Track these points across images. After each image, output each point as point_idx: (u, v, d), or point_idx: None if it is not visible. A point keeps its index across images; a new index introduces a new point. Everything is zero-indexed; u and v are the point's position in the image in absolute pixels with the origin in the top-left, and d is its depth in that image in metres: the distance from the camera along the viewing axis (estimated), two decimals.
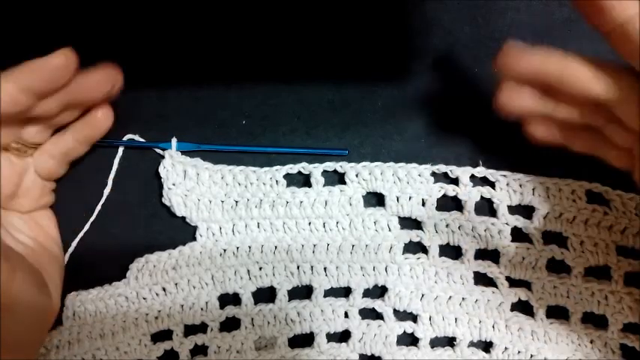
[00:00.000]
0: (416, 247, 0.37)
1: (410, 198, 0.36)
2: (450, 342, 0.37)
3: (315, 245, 0.37)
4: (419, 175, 0.36)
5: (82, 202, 0.37)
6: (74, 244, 0.37)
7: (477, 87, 0.38)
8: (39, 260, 0.34)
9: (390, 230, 0.37)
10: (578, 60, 0.29)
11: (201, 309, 0.36)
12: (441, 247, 0.37)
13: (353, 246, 0.37)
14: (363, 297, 0.37)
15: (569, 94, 0.30)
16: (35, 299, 0.32)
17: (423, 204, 0.36)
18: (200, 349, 0.36)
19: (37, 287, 0.32)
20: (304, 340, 0.37)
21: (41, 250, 0.35)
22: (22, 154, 0.34)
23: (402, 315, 0.37)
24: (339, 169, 0.37)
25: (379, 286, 0.37)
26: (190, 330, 0.36)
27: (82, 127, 0.35)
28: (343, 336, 0.37)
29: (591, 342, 0.36)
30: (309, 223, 0.37)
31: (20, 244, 0.34)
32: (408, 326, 0.37)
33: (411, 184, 0.36)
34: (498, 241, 0.36)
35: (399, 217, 0.37)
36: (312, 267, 0.37)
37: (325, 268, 0.37)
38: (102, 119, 0.35)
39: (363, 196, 0.37)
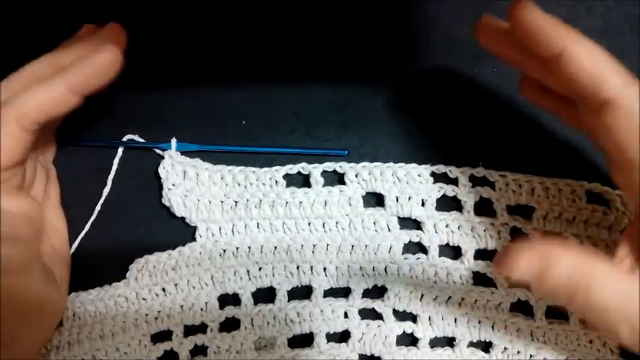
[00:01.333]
0: (415, 248, 0.37)
1: (409, 198, 0.36)
2: (449, 342, 0.37)
3: (314, 245, 0.37)
4: (418, 176, 0.36)
5: (82, 203, 0.37)
6: (75, 245, 0.37)
7: (476, 87, 0.38)
8: (52, 261, 0.34)
9: (389, 230, 0.37)
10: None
11: (201, 309, 0.36)
12: (441, 247, 0.37)
13: (352, 246, 0.37)
14: (362, 297, 0.37)
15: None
16: (52, 298, 0.32)
17: (423, 204, 0.36)
18: (200, 350, 0.36)
19: (53, 287, 0.32)
20: (304, 341, 0.37)
21: (53, 251, 0.35)
22: None
23: (401, 315, 0.37)
24: (339, 170, 0.37)
25: (379, 286, 0.37)
26: (190, 330, 0.36)
27: None
28: (343, 336, 0.37)
29: (590, 342, 0.36)
30: (309, 224, 0.37)
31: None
32: (408, 326, 0.37)
33: (410, 184, 0.36)
34: (498, 242, 0.36)
35: (399, 218, 0.37)
36: (311, 267, 0.37)
37: (325, 269, 0.37)
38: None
39: (362, 197, 0.37)
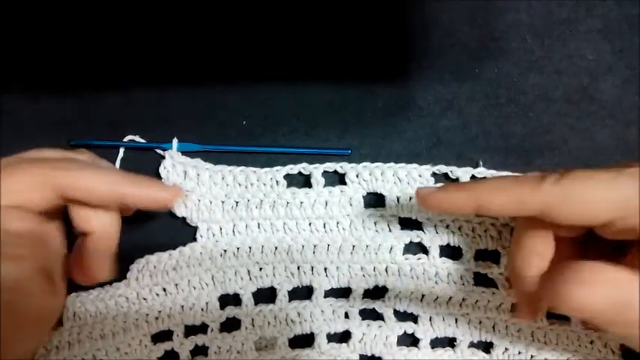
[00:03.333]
0: (416, 248, 0.37)
1: (410, 198, 0.36)
2: (450, 342, 0.37)
3: (315, 246, 0.37)
4: (419, 176, 0.36)
5: None
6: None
7: (477, 87, 0.39)
8: (51, 264, 0.34)
9: (390, 231, 0.37)
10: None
11: (202, 309, 0.36)
12: (442, 247, 0.37)
13: (353, 246, 0.37)
14: (363, 297, 0.37)
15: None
16: (50, 302, 0.32)
17: None
18: (200, 350, 0.36)
19: (52, 291, 0.32)
20: (305, 341, 0.37)
21: (55, 253, 0.35)
22: None
23: (402, 315, 0.37)
24: (340, 170, 0.37)
25: (379, 286, 0.37)
26: (191, 330, 0.36)
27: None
28: (344, 336, 0.37)
29: (591, 342, 0.35)
30: (310, 224, 0.37)
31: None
32: (409, 327, 0.37)
33: (411, 184, 0.36)
34: (498, 242, 0.36)
35: (400, 218, 0.37)
36: (312, 267, 0.37)
37: (326, 269, 0.37)
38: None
39: (363, 197, 0.37)
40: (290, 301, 0.37)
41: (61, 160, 0.32)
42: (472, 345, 0.37)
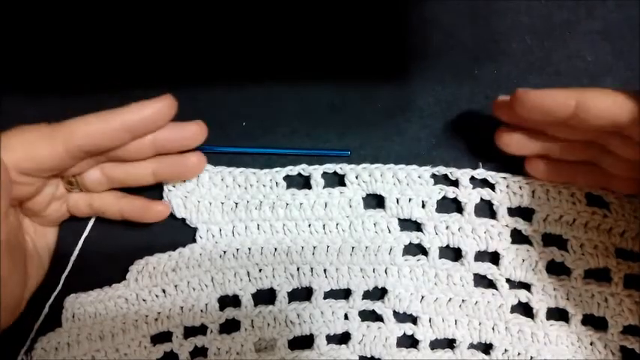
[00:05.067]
0: (416, 249, 0.37)
1: (410, 200, 0.36)
2: (449, 344, 0.37)
3: (314, 247, 0.37)
4: (419, 177, 0.36)
5: None
6: (78, 247, 0.37)
7: (476, 88, 0.38)
8: (30, 263, 0.34)
9: (389, 232, 0.37)
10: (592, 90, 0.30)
11: (201, 311, 0.36)
12: (441, 248, 0.37)
13: (353, 248, 0.37)
14: (362, 299, 0.37)
15: (566, 128, 0.31)
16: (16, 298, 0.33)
17: (423, 206, 0.36)
18: (200, 351, 0.36)
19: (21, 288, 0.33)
20: (304, 342, 0.37)
21: (35, 254, 0.35)
22: (68, 186, 0.35)
23: (401, 317, 0.37)
24: (339, 171, 0.37)
25: (379, 287, 0.37)
26: (190, 332, 0.36)
27: (131, 208, 0.36)
28: (343, 338, 0.37)
29: (591, 344, 0.36)
30: (309, 225, 0.37)
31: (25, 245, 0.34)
32: (408, 328, 0.37)
33: (410, 185, 0.36)
34: (498, 243, 0.36)
35: (399, 219, 0.37)
36: (311, 269, 0.37)
37: (325, 270, 0.37)
38: (159, 211, 0.36)
39: (362, 198, 0.37)
40: (289, 302, 0.37)
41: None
42: (472, 346, 0.37)
